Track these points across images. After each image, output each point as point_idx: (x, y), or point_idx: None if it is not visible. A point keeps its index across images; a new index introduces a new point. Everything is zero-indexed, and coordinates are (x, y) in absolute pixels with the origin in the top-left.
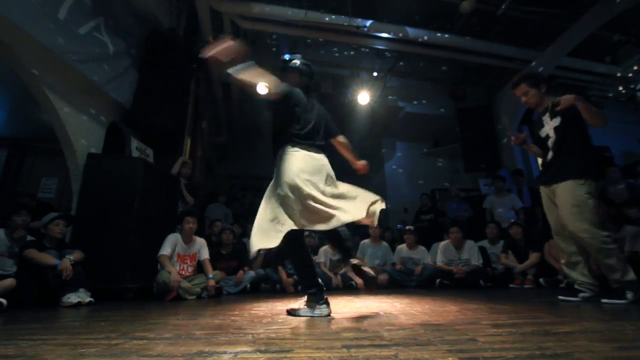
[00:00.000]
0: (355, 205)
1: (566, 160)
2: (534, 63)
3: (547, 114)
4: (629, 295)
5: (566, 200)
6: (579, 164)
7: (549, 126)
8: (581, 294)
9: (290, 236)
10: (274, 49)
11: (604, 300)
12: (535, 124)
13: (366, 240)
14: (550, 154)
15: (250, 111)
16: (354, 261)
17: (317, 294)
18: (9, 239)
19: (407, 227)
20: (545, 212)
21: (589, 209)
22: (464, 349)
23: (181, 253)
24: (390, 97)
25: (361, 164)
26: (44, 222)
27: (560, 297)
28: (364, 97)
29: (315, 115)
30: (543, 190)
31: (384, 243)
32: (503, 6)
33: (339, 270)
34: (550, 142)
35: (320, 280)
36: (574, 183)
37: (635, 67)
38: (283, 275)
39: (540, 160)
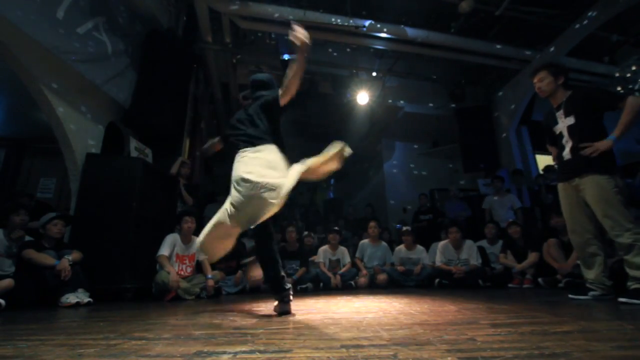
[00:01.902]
0: None
1: (587, 158)
2: (532, 63)
3: (562, 111)
4: None
5: (594, 195)
6: (601, 160)
7: (563, 124)
8: (591, 292)
9: None
10: (273, 49)
11: (621, 299)
12: (549, 119)
13: (365, 241)
14: (566, 152)
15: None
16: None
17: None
18: (7, 239)
19: (405, 228)
20: (562, 210)
21: (618, 204)
22: (463, 348)
23: (180, 253)
24: (389, 97)
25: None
26: (43, 222)
27: (571, 296)
28: (363, 97)
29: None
30: (564, 187)
31: (383, 243)
32: (502, 6)
33: (338, 270)
34: (564, 141)
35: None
36: (601, 178)
37: (634, 67)
38: None
39: (550, 149)
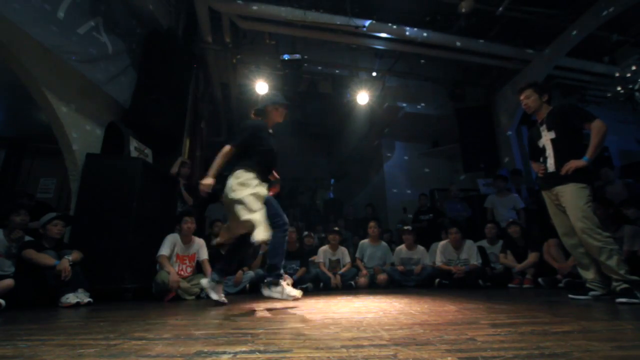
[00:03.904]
0: None
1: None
2: (532, 63)
3: (545, 125)
4: (639, 294)
5: (569, 202)
6: (578, 171)
7: (545, 137)
8: (591, 292)
9: None
10: (273, 49)
11: (620, 300)
12: (534, 133)
13: (365, 241)
14: (549, 164)
15: (249, 111)
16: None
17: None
18: (7, 239)
19: (405, 228)
20: (551, 216)
21: (590, 211)
22: (463, 348)
23: (180, 253)
24: (389, 97)
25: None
26: (43, 223)
27: (571, 296)
28: (363, 97)
29: None
30: (546, 195)
31: (383, 243)
32: (502, 6)
33: (338, 270)
34: (547, 153)
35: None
36: (576, 186)
37: (634, 67)
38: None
39: (535, 167)
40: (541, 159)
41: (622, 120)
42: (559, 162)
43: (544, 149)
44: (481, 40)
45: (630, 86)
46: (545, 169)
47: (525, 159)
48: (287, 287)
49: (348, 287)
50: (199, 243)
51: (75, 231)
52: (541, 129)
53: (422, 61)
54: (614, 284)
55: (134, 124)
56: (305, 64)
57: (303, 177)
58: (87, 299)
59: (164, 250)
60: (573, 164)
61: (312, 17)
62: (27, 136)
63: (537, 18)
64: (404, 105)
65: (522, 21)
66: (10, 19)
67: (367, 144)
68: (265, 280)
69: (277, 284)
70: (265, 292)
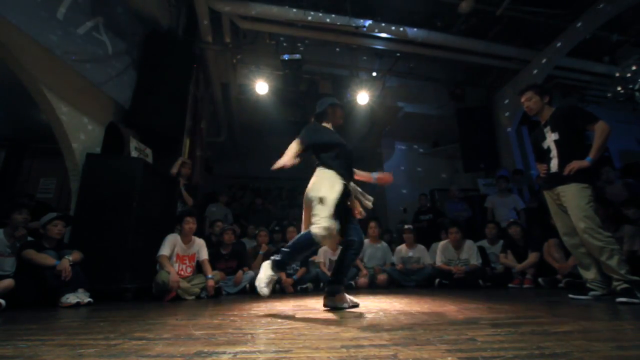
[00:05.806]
0: None
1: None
2: (532, 63)
3: (548, 127)
4: (639, 294)
5: (571, 201)
6: (581, 171)
7: (550, 138)
8: (592, 292)
9: None
10: (273, 49)
11: (620, 300)
12: (538, 135)
13: (365, 240)
14: (553, 165)
15: (249, 111)
16: None
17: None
18: (9, 238)
19: (406, 227)
20: (552, 215)
21: (592, 211)
22: (463, 348)
23: (180, 253)
24: (389, 97)
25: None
26: (43, 223)
27: (571, 296)
28: (363, 97)
29: None
30: (547, 195)
31: (383, 243)
32: (502, 6)
33: None
34: (551, 154)
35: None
36: (578, 186)
37: (634, 67)
38: (282, 275)
39: (539, 167)
40: (546, 160)
41: (622, 120)
42: (562, 163)
43: (548, 150)
44: (481, 41)
45: (630, 86)
46: (548, 169)
47: (525, 159)
48: (346, 295)
49: (348, 287)
50: (199, 243)
51: (75, 231)
52: (545, 130)
53: (422, 61)
54: (615, 283)
55: (134, 124)
56: (305, 64)
57: (303, 177)
58: (87, 299)
59: (164, 250)
60: (576, 164)
61: (312, 17)
62: (27, 136)
63: (537, 18)
64: (404, 105)
65: (522, 21)
66: (10, 20)
67: (367, 144)
68: (327, 290)
69: (333, 293)
70: (329, 303)
